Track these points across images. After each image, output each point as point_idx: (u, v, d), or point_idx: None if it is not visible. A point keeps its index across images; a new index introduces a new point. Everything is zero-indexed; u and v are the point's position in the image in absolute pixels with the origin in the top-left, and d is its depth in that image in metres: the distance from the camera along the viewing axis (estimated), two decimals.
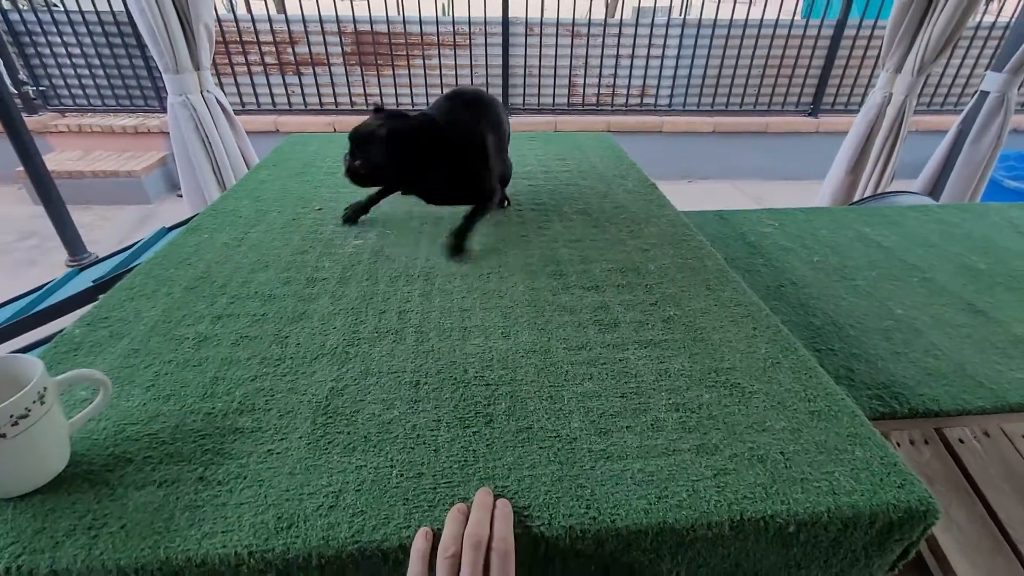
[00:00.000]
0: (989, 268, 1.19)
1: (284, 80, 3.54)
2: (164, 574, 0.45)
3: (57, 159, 3.29)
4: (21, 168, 2.41)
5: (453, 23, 3.47)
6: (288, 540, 0.46)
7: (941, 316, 1.03)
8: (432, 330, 0.75)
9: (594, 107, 3.79)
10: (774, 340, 0.74)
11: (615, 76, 3.70)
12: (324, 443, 0.56)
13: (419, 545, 0.46)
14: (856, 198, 2.61)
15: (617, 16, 3.68)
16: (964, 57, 3.75)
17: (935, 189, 2.62)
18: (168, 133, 2.35)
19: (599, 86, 3.73)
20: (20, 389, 0.46)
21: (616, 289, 0.85)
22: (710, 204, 1.84)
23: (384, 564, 0.47)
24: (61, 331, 0.74)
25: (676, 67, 3.69)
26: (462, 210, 1.01)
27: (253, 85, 3.52)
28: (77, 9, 3.20)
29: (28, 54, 3.32)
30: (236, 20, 3.35)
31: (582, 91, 3.73)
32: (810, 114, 3.86)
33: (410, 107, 3.66)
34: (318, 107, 3.62)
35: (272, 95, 3.56)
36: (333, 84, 3.57)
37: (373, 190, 1.08)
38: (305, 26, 3.38)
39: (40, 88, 3.41)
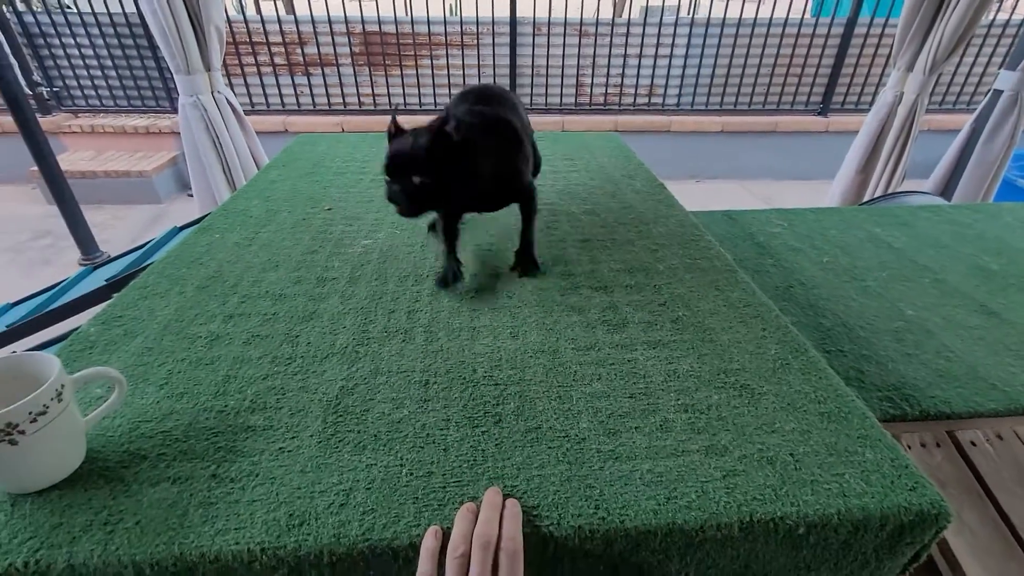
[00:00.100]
0: (1002, 269, 1.18)
1: (293, 80, 3.56)
2: (178, 570, 0.46)
3: (70, 159, 3.33)
4: (35, 168, 2.45)
5: (461, 23, 3.47)
6: (300, 537, 0.47)
7: (953, 317, 1.02)
8: (441, 330, 0.76)
9: (602, 107, 3.78)
10: (784, 341, 0.73)
11: (623, 76, 3.69)
12: (335, 441, 0.57)
13: (429, 544, 0.46)
14: (866, 198, 2.59)
15: (625, 15, 3.67)
16: (977, 55, 3.70)
17: (947, 189, 2.59)
18: (179, 133, 2.37)
19: (607, 85, 3.72)
20: (38, 386, 0.47)
21: (625, 289, 0.85)
22: (718, 204, 1.83)
23: (394, 562, 0.48)
24: (75, 329, 0.75)
25: (684, 66, 3.67)
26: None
27: (263, 85, 3.54)
28: (90, 11, 3.24)
29: (42, 55, 3.37)
30: (246, 21, 3.38)
31: (590, 91, 3.73)
32: (820, 113, 3.83)
33: (418, 107, 3.67)
34: (327, 107, 3.64)
35: (281, 95, 3.59)
36: (341, 84, 3.59)
37: (424, 218, 0.93)
38: (314, 27, 3.40)
39: (54, 89, 3.46)
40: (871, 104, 2.66)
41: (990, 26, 3.58)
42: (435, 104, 3.67)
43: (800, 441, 0.57)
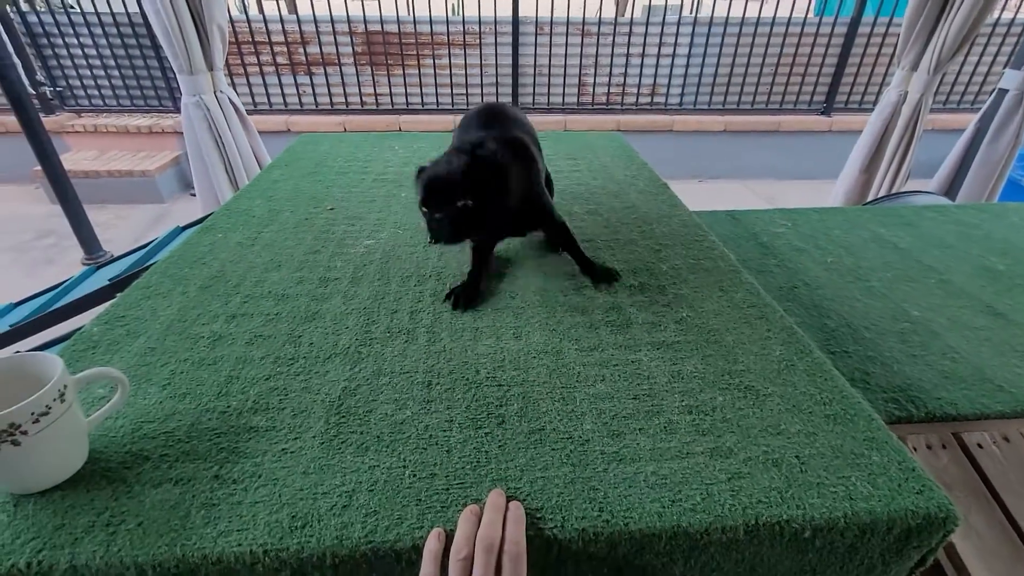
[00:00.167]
0: (1008, 269, 1.17)
1: (296, 80, 3.56)
2: (181, 571, 0.45)
3: (73, 159, 3.34)
4: (39, 168, 2.46)
5: (463, 23, 3.47)
6: (302, 539, 0.47)
7: (959, 318, 1.01)
8: (444, 330, 0.75)
9: (604, 106, 3.78)
10: (788, 342, 0.73)
11: (625, 75, 3.68)
12: (337, 443, 0.57)
13: (432, 546, 0.46)
14: (870, 198, 2.58)
15: (627, 15, 3.66)
16: (981, 54, 3.68)
17: (951, 189, 2.58)
18: (182, 133, 2.38)
19: (609, 85, 3.71)
20: (41, 386, 0.47)
21: (628, 290, 0.85)
22: (721, 204, 1.83)
23: (397, 564, 0.47)
24: (78, 329, 0.75)
25: (687, 66, 3.66)
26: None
27: (265, 85, 3.54)
28: (93, 11, 3.25)
29: (46, 55, 3.38)
30: (248, 21, 3.39)
31: (592, 90, 3.72)
32: (823, 113, 3.82)
33: (420, 107, 3.67)
34: (329, 107, 3.64)
35: (284, 95, 3.59)
36: (344, 84, 3.59)
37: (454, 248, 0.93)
38: (316, 26, 3.40)
39: (57, 89, 3.46)
40: (875, 103, 2.65)
41: (995, 25, 3.56)
42: (437, 104, 3.67)
43: (806, 443, 0.57)
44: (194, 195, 2.55)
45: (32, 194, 3.34)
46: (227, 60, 2.35)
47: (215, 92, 2.25)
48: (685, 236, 1.03)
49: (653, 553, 0.49)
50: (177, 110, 2.50)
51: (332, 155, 1.49)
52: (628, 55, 3.61)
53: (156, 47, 3.27)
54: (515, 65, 3.57)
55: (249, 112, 2.47)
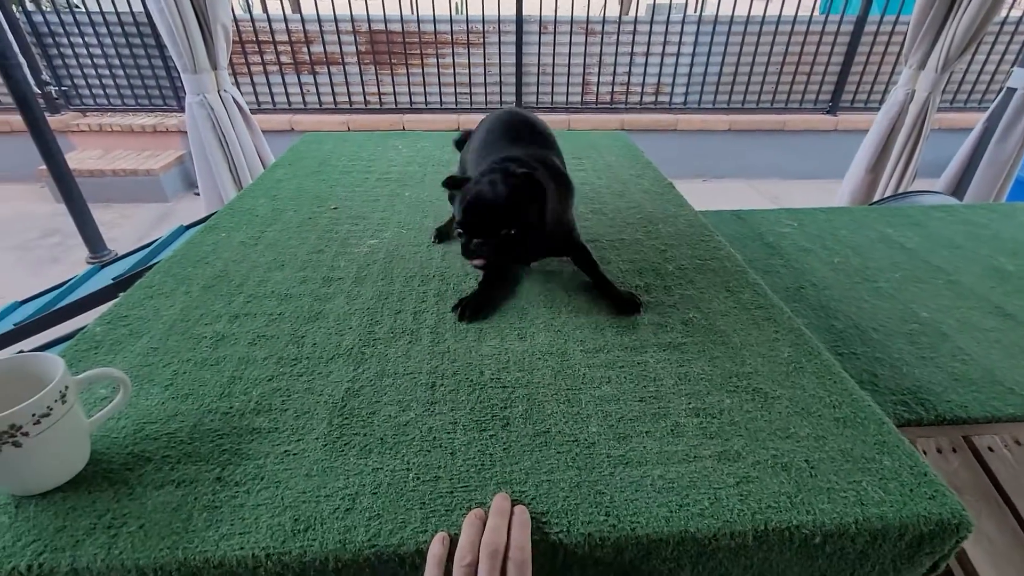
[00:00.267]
0: (1018, 270, 1.16)
1: (299, 79, 3.56)
2: (182, 575, 0.45)
3: (78, 158, 3.35)
4: (44, 167, 2.46)
5: (467, 22, 3.46)
6: (305, 543, 0.46)
7: (968, 320, 1.00)
8: (448, 331, 0.75)
9: (608, 105, 3.76)
10: (797, 344, 0.72)
11: (629, 74, 3.67)
12: (340, 445, 0.56)
13: (436, 550, 0.45)
14: (876, 198, 2.56)
15: (631, 13, 3.64)
16: (989, 52, 3.65)
17: (958, 189, 2.56)
18: (186, 132, 2.38)
19: (613, 84, 3.70)
20: (42, 387, 0.47)
21: (634, 290, 0.84)
22: (726, 203, 1.81)
23: (401, 569, 0.47)
24: (82, 328, 0.75)
25: (691, 64, 3.64)
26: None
27: (269, 84, 3.54)
28: (98, 10, 3.25)
29: (51, 55, 3.38)
30: (252, 20, 3.38)
31: (596, 89, 3.71)
32: (828, 112, 3.79)
33: (423, 106, 3.67)
34: (333, 106, 3.64)
35: (287, 94, 3.59)
36: (348, 83, 3.59)
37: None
38: (320, 25, 3.40)
39: (62, 88, 3.47)
40: (881, 102, 2.63)
41: (1003, 23, 3.53)
42: (440, 103, 3.67)
43: (815, 447, 0.56)
44: (198, 194, 2.55)
45: (37, 193, 3.35)
46: (231, 59, 2.35)
47: (219, 91, 2.25)
48: (691, 236, 1.02)
49: (660, 559, 0.48)
50: (181, 109, 2.51)
51: (336, 154, 1.49)
52: (632, 54, 3.59)
53: (160, 46, 3.27)
54: (519, 64, 3.56)
55: (253, 111, 2.47)
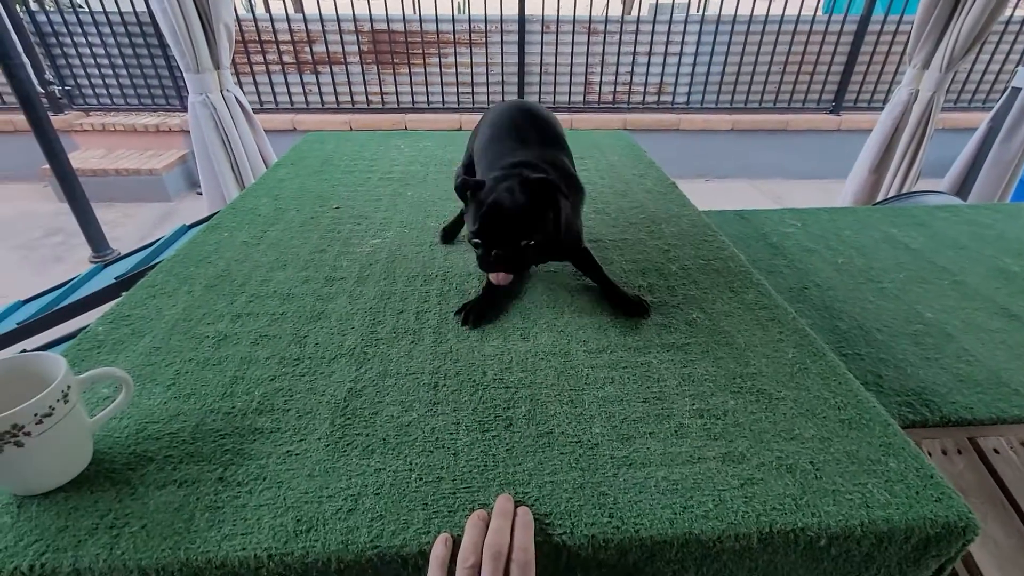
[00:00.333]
0: (1023, 271, 1.15)
1: (301, 79, 3.56)
2: None
3: (81, 157, 3.35)
4: (47, 166, 2.47)
5: (469, 21, 3.46)
6: (307, 544, 0.46)
7: (973, 320, 0.99)
8: (450, 331, 0.74)
9: (610, 105, 3.75)
10: (801, 344, 0.71)
11: (632, 73, 3.66)
12: (343, 445, 0.56)
13: (439, 552, 0.45)
14: (880, 198, 2.55)
15: (634, 13, 3.64)
16: (994, 52, 3.63)
17: (963, 189, 2.55)
18: (188, 131, 2.38)
19: (615, 84, 3.69)
20: (44, 387, 0.47)
21: (637, 290, 0.84)
22: (728, 203, 1.81)
23: (404, 570, 0.47)
24: (84, 328, 0.75)
25: (694, 64, 3.63)
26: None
27: (271, 84, 3.55)
28: (102, 10, 3.26)
29: (54, 54, 3.39)
30: (255, 19, 3.39)
31: (598, 89, 3.70)
32: (831, 111, 3.78)
33: (426, 105, 3.67)
34: (335, 106, 3.64)
35: (290, 94, 3.59)
36: (350, 83, 3.59)
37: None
38: (322, 25, 3.40)
39: (66, 88, 3.48)
40: (884, 102, 2.62)
41: (1008, 22, 3.51)
42: (443, 102, 3.67)
43: (820, 449, 0.55)
44: (200, 193, 2.56)
45: (41, 192, 3.36)
46: (234, 59, 2.35)
47: (222, 91, 2.25)
48: (694, 236, 1.01)
49: (664, 561, 0.48)
50: (184, 109, 2.51)
51: (338, 154, 1.49)
52: (635, 53, 3.58)
53: (163, 46, 3.28)
54: (521, 63, 3.56)
55: (255, 111, 2.47)
